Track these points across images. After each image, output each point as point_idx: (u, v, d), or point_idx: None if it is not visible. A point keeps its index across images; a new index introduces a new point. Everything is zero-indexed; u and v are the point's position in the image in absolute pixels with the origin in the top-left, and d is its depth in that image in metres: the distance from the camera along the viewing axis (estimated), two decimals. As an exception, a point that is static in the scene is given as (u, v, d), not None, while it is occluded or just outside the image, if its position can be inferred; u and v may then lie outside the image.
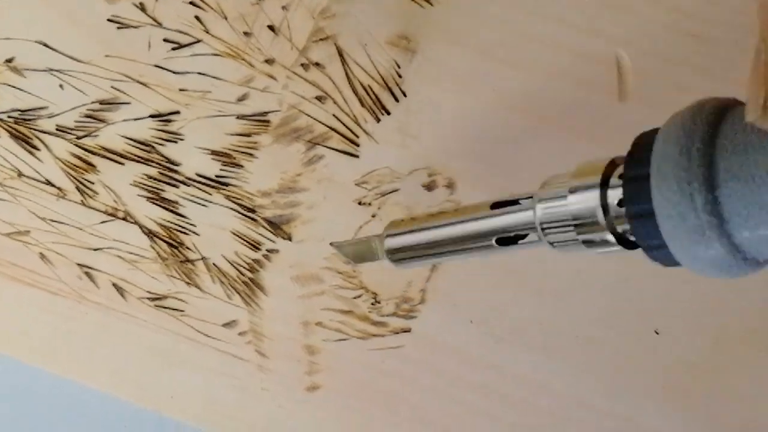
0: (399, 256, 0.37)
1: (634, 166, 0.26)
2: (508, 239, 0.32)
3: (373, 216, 0.42)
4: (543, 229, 0.30)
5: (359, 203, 0.42)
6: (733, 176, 0.23)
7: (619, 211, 0.27)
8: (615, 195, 0.27)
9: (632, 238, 0.27)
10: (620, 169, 0.28)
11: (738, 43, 0.37)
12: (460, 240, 0.34)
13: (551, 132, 0.39)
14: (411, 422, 0.44)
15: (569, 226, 0.29)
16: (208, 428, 0.47)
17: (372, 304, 0.43)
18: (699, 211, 0.23)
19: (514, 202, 0.32)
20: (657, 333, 0.41)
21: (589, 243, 0.29)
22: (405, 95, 0.40)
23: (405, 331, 0.43)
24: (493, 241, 0.32)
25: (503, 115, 0.39)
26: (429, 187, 0.41)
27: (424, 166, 0.41)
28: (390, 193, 0.41)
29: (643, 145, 0.26)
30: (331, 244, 0.42)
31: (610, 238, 0.28)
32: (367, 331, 0.44)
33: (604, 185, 0.28)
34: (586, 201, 0.28)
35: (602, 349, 0.41)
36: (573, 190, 0.29)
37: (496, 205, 0.32)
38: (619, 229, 0.28)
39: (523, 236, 0.31)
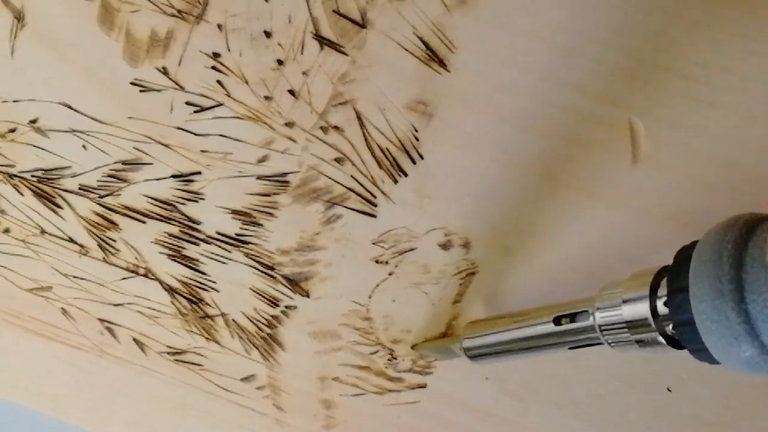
0: (476, 354, 0.40)
1: (675, 280, 0.29)
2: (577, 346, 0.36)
3: (390, 274, 0.43)
4: (602, 332, 0.33)
5: (376, 261, 0.43)
6: (757, 289, 0.26)
7: (667, 316, 0.31)
8: (663, 302, 0.31)
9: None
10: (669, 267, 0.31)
11: (750, 110, 0.38)
12: (532, 343, 0.37)
13: (566, 194, 0.40)
14: (427, 476, 0.45)
15: (624, 329, 0.32)
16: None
17: (389, 359, 0.44)
18: (732, 323, 0.26)
19: (574, 315, 0.35)
20: (669, 390, 0.42)
21: (641, 343, 0.32)
22: (422, 158, 0.41)
23: (421, 387, 0.44)
24: (565, 348, 0.36)
25: (518, 177, 0.40)
26: (445, 246, 0.42)
27: (441, 226, 0.42)
28: (407, 252, 0.42)
29: (683, 259, 0.29)
30: (412, 347, 0.43)
31: (661, 339, 0.31)
32: (383, 387, 0.45)
33: (653, 292, 0.31)
34: (638, 310, 0.31)
35: (614, 405, 0.42)
36: (626, 301, 0.32)
37: (557, 321, 0.36)
38: (668, 331, 0.31)
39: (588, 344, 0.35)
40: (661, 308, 0.31)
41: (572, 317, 0.35)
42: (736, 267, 0.26)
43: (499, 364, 0.41)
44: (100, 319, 0.46)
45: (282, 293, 0.44)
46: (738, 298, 0.26)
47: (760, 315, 0.26)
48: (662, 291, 0.31)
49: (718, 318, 0.27)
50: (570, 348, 0.36)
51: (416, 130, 0.40)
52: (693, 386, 0.41)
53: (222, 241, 0.44)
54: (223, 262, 0.44)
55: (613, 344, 0.33)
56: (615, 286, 0.33)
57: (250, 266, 0.44)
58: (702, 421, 0.42)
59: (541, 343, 0.37)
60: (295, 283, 0.44)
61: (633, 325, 0.32)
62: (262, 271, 0.44)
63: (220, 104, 0.42)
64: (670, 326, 0.31)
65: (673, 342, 0.31)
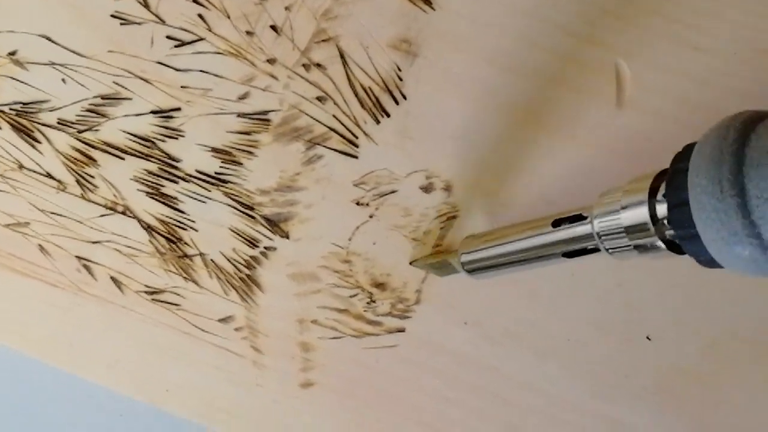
0: (474, 267, 0.39)
1: (674, 194, 0.28)
2: (573, 252, 0.34)
3: (371, 216, 0.42)
4: (600, 239, 0.32)
5: (357, 203, 0.42)
6: (762, 191, 0.25)
7: (666, 219, 0.30)
8: (662, 208, 0.29)
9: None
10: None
11: (737, 55, 0.37)
12: (529, 254, 0.36)
13: (549, 137, 0.39)
14: (405, 421, 0.45)
15: (623, 235, 0.31)
16: (202, 422, 0.48)
17: (368, 303, 0.44)
18: (733, 221, 0.25)
19: (574, 218, 0.34)
20: (649, 339, 0.41)
21: (641, 248, 0.31)
22: (405, 98, 0.40)
23: (400, 331, 0.44)
24: (560, 255, 0.35)
25: (502, 120, 0.39)
26: (426, 189, 0.41)
27: (423, 168, 0.41)
28: (388, 194, 0.42)
29: (680, 169, 0.28)
30: (411, 263, 0.43)
31: (660, 244, 0.30)
32: (362, 330, 0.44)
33: (652, 196, 0.30)
34: (637, 215, 0.30)
35: (594, 352, 0.42)
36: (625, 206, 0.31)
37: (557, 223, 0.35)
38: (668, 235, 0.30)
39: (586, 250, 0.34)
40: (661, 212, 0.30)
41: (571, 220, 0.34)
42: (738, 165, 0.25)
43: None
44: (77, 257, 0.46)
45: (261, 234, 0.44)
46: (740, 196, 0.25)
47: (760, 211, 0.25)
48: (661, 193, 0.30)
49: (718, 217, 0.26)
50: (568, 255, 0.35)
51: (399, 70, 0.40)
52: (672, 335, 0.41)
53: (201, 180, 0.43)
54: (203, 201, 0.44)
55: (611, 251, 0.32)
56: (614, 191, 0.32)
57: (230, 206, 0.43)
58: (680, 370, 0.41)
59: (540, 253, 0.36)
60: (274, 224, 0.43)
61: (632, 230, 0.31)
62: (241, 211, 0.43)
63: (201, 39, 0.41)
64: (670, 231, 0.30)
65: (673, 247, 0.30)
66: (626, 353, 0.42)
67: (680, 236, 0.28)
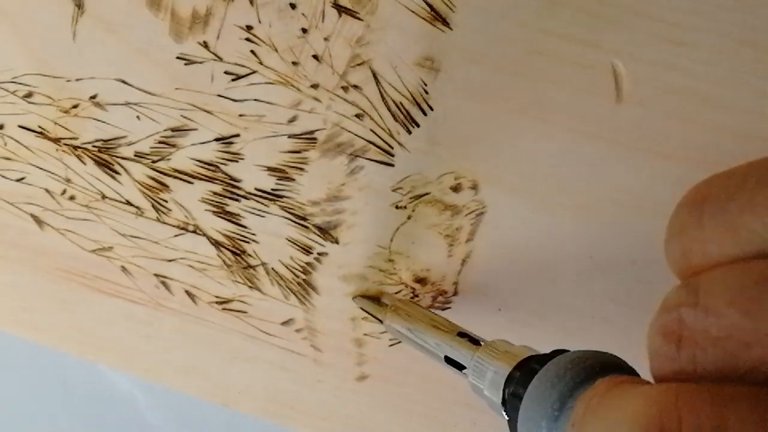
0: (392, 331, 0.46)
1: (514, 395, 0.33)
2: (452, 362, 0.40)
3: (409, 218, 0.48)
4: (472, 384, 0.38)
5: (396, 207, 0.48)
6: None
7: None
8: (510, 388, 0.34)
9: None
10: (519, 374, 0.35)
11: (720, 51, 0.42)
12: (427, 344, 0.43)
13: (560, 134, 0.44)
14: (450, 404, 0.49)
15: (482, 390, 0.37)
16: (271, 420, 0.53)
17: (411, 298, 0.49)
18: None
19: (472, 340, 0.41)
20: (665, 311, 0.46)
21: (489, 399, 0.36)
22: (432, 109, 0.46)
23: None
24: (443, 358, 0.41)
25: (516, 120, 0.45)
26: (456, 189, 0.47)
27: (451, 170, 0.46)
28: (423, 196, 0.47)
29: (518, 395, 0.33)
30: (353, 298, 0.49)
31: (503, 414, 0.35)
32: (408, 323, 0.49)
33: (515, 370, 0.35)
34: (494, 384, 0.36)
35: (616, 327, 0.46)
36: (493, 370, 0.36)
37: (462, 335, 0.41)
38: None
39: (462, 367, 0.40)
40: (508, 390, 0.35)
41: (470, 340, 0.40)
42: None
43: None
44: (155, 274, 0.52)
45: (314, 241, 0.49)
46: None
47: None
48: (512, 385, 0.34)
49: None
50: (447, 361, 0.41)
51: (425, 84, 0.45)
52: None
53: (260, 197, 0.49)
54: (262, 216, 0.49)
55: (473, 388, 0.38)
56: (496, 349, 0.37)
57: (285, 218, 0.49)
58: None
59: (433, 348, 0.42)
60: (325, 231, 0.49)
61: (488, 398, 0.36)
62: (295, 222, 0.49)
63: (254, 72, 0.47)
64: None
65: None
66: (646, 325, 0.46)
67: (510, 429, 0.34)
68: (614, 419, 0.23)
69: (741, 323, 0.21)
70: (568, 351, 0.32)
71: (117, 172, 0.50)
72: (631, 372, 0.32)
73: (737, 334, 0.21)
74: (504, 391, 0.34)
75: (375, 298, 0.49)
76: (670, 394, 0.21)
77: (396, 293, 0.49)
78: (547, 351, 0.34)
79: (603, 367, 0.30)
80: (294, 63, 0.47)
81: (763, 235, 0.21)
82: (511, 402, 0.33)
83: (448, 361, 0.40)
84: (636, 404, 0.22)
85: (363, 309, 0.49)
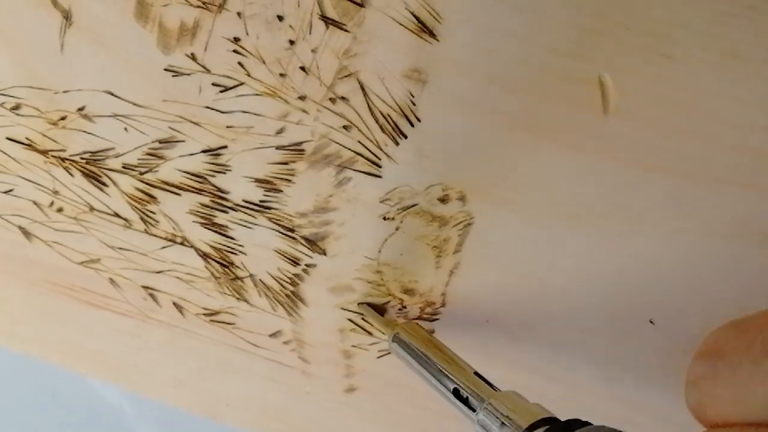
0: (398, 347, 0.45)
1: None
2: (460, 397, 0.41)
3: (397, 229, 0.47)
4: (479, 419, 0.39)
5: (384, 218, 0.48)
6: None
7: None
8: None
9: None
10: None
11: (705, 62, 0.42)
12: (437, 376, 0.43)
13: (548, 146, 0.44)
14: (438, 416, 0.49)
15: None
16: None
17: (399, 309, 0.49)
18: None
19: (487, 383, 0.41)
20: (652, 323, 0.46)
21: None
22: (419, 120, 0.46)
23: (430, 332, 0.49)
24: (451, 395, 0.41)
25: (504, 133, 0.45)
26: (443, 200, 0.47)
27: (439, 182, 0.46)
28: (410, 207, 0.47)
29: None
30: (358, 304, 0.49)
31: None
32: (396, 335, 0.49)
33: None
34: None
35: (601, 339, 0.46)
36: (503, 423, 0.37)
37: (477, 374, 0.42)
38: None
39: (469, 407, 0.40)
40: None
41: (485, 382, 0.41)
42: None
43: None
44: (143, 287, 0.52)
45: (302, 253, 0.49)
46: None
47: None
48: None
49: None
50: (455, 395, 0.41)
51: (413, 96, 0.45)
52: (674, 318, 0.45)
53: (248, 208, 0.49)
54: (249, 227, 0.49)
55: None
56: (510, 402, 0.38)
57: (273, 229, 0.49)
58: (684, 350, 0.45)
59: (444, 382, 0.42)
60: (313, 243, 0.49)
61: None
62: (283, 234, 0.49)
63: (242, 83, 0.47)
64: None
65: None
66: (631, 338, 0.46)
67: None
68: None
69: None
70: (589, 424, 0.33)
71: (105, 184, 0.50)
72: None
73: None
74: None
75: (379, 309, 0.49)
76: None
77: (384, 305, 0.49)
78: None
79: None
80: (281, 75, 0.47)
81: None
82: None
83: (456, 394, 0.41)
84: None
85: (365, 319, 0.49)
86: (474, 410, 0.39)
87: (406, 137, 0.46)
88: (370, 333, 0.49)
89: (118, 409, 0.57)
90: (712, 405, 0.24)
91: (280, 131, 0.47)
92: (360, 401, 0.51)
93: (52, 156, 0.50)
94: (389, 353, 0.49)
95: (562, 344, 0.47)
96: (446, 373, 0.42)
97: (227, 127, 0.48)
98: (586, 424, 0.33)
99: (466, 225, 0.47)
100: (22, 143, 0.50)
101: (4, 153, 0.51)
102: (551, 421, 0.36)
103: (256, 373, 0.52)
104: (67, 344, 0.54)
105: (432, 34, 0.44)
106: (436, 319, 0.48)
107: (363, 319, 0.49)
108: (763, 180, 0.41)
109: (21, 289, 0.54)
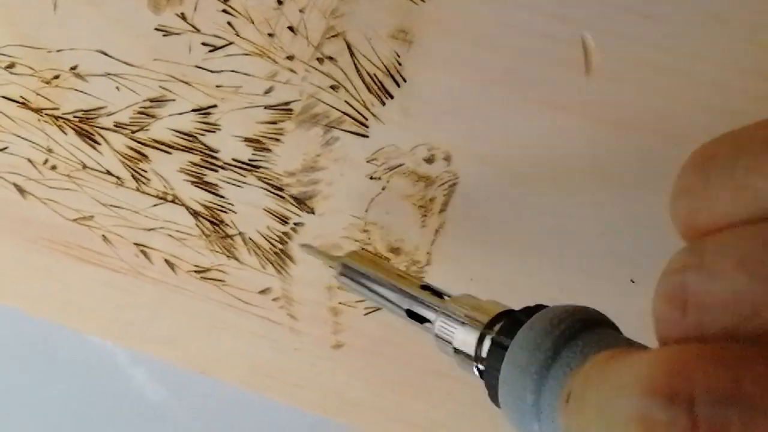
0: (345, 275, 0.44)
1: (491, 361, 0.32)
2: (414, 316, 0.40)
3: (383, 189, 0.48)
4: (436, 336, 0.37)
5: (371, 178, 0.48)
6: (549, 415, 0.28)
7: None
8: (487, 344, 0.34)
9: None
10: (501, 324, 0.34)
11: (686, 23, 0.42)
12: (387, 295, 0.41)
13: (531, 106, 0.45)
14: (424, 373, 0.50)
15: (450, 345, 0.36)
16: (250, 389, 0.53)
17: (385, 267, 0.50)
18: (525, 413, 0.29)
19: (436, 294, 0.40)
20: (633, 282, 0.46)
21: (458, 356, 0.36)
22: (405, 81, 0.46)
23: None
24: (405, 311, 0.40)
25: (488, 93, 0.45)
26: (429, 160, 0.47)
27: (425, 142, 0.47)
28: (397, 167, 0.48)
29: (501, 344, 0.32)
30: (301, 245, 0.50)
31: (475, 372, 0.34)
32: (382, 293, 0.50)
33: (487, 329, 0.34)
34: (466, 343, 0.35)
35: (583, 297, 0.47)
36: (463, 323, 0.36)
37: (425, 287, 0.40)
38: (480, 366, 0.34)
39: (425, 321, 0.39)
40: (484, 349, 0.34)
41: (434, 294, 0.40)
42: (536, 393, 0.28)
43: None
44: (135, 243, 0.52)
45: (290, 211, 0.50)
46: (535, 412, 0.28)
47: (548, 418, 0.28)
48: (490, 336, 0.34)
49: (516, 408, 0.29)
50: (410, 315, 0.40)
51: (399, 56, 0.46)
52: (654, 278, 0.46)
53: (237, 167, 0.50)
54: (239, 186, 0.50)
55: (438, 342, 0.37)
56: (465, 304, 0.37)
57: (262, 188, 0.50)
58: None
59: (394, 299, 0.41)
60: (301, 202, 0.49)
61: (457, 349, 0.35)
62: (272, 192, 0.50)
63: (231, 43, 0.48)
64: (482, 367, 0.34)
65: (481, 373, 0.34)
66: (612, 296, 0.47)
67: (486, 383, 0.33)
68: (618, 387, 0.22)
69: (749, 286, 0.20)
70: (547, 306, 0.32)
71: (97, 143, 0.51)
72: (614, 328, 0.32)
73: (745, 297, 0.20)
74: (478, 345, 0.34)
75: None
76: (678, 356, 0.21)
77: (371, 263, 0.50)
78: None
79: (594, 322, 0.31)
80: (270, 35, 0.47)
81: None
82: (493, 353, 0.32)
83: (411, 314, 0.40)
84: (641, 369, 0.21)
85: (311, 255, 0.48)
86: (432, 323, 0.38)
87: (392, 97, 0.47)
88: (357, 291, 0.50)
89: (110, 355, 0.58)
90: (705, 210, 0.22)
91: (268, 91, 0.48)
92: (347, 357, 0.51)
93: (46, 114, 0.51)
94: (376, 310, 0.50)
95: (543, 302, 0.47)
96: (396, 293, 0.41)
97: (216, 86, 0.49)
98: (543, 307, 0.32)
99: (452, 185, 0.47)
100: (17, 101, 0.51)
101: (-2, 111, 0.52)
102: (509, 314, 0.35)
103: (245, 329, 0.52)
104: (61, 300, 0.55)
105: (418, -5, 0.45)
106: (422, 277, 0.49)
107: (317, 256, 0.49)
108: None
109: (16, 246, 0.54)
